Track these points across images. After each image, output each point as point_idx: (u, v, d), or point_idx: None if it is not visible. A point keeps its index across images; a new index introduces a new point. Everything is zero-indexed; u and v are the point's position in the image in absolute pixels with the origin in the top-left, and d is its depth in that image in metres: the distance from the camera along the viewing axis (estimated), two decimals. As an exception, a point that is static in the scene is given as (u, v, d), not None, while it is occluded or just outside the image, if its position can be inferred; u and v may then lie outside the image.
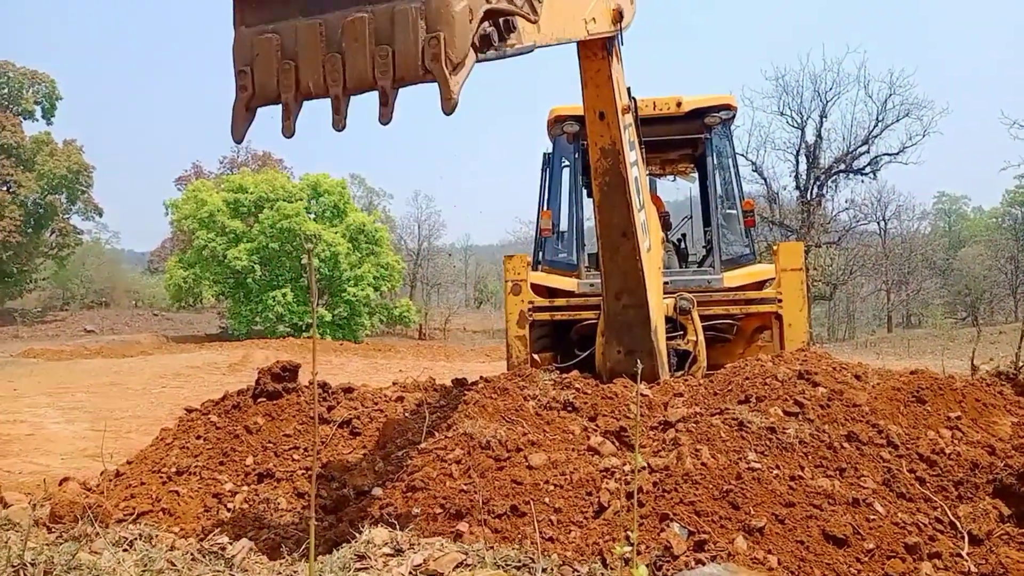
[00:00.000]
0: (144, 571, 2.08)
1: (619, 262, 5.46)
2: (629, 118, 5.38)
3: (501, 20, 3.14)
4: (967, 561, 3.06)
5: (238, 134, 3.13)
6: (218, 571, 2.15)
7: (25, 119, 49.31)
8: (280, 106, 2.99)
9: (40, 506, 2.92)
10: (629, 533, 3.13)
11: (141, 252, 78.41)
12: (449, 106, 2.71)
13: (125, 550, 2.29)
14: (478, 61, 2.97)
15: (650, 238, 5.79)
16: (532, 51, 3.48)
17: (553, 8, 3.78)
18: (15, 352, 26.45)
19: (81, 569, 2.03)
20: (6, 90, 48.57)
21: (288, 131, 3.06)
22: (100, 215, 53.24)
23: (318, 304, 37.68)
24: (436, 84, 2.71)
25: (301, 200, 38.21)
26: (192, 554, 2.34)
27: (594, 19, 4.42)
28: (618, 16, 4.74)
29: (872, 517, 3.20)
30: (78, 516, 2.68)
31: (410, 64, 2.70)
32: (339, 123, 2.91)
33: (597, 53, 4.82)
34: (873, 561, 3.01)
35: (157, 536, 2.57)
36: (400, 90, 2.85)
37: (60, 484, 3.47)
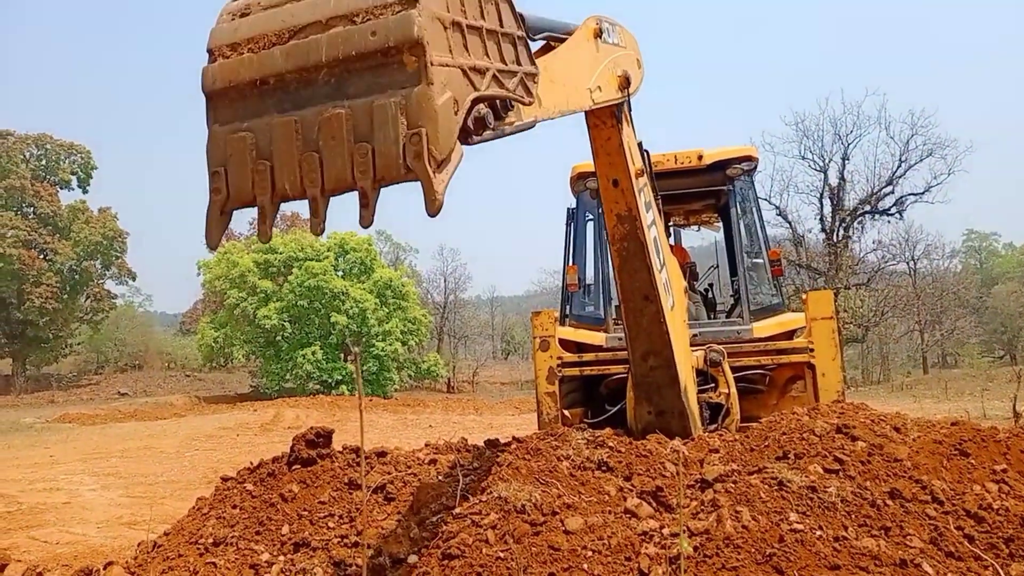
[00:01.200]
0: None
1: (644, 325, 5.42)
2: (643, 180, 5.29)
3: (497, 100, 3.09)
4: (1024, 624, 2.97)
5: (213, 240, 2.93)
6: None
7: (61, 188, 50.85)
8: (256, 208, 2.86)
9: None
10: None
11: (174, 314, 79.73)
12: (433, 208, 2.56)
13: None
14: (476, 142, 2.91)
15: (673, 295, 5.71)
16: (534, 126, 3.42)
17: (554, 81, 3.72)
18: (51, 417, 26.82)
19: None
20: (44, 161, 50.26)
21: (265, 236, 2.93)
22: (133, 279, 54.42)
23: (346, 359, 37.88)
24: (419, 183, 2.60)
25: (328, 258, 38.72)
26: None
27: (599, 87, 4.34)
28: (625, 82, 4.66)
29: (922, 579, 3.12)
30: (123, 601, 2.70)
31: (391, 163, 2.57)
32: (318, 227, 2.76)
33: (606, 122, 4.76)
34: (925, 626, 2.92)
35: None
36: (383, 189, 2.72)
37: (104, 568, 3.50)
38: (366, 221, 2.67)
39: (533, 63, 3.41)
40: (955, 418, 4.81)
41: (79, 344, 53.46)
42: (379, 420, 22.18)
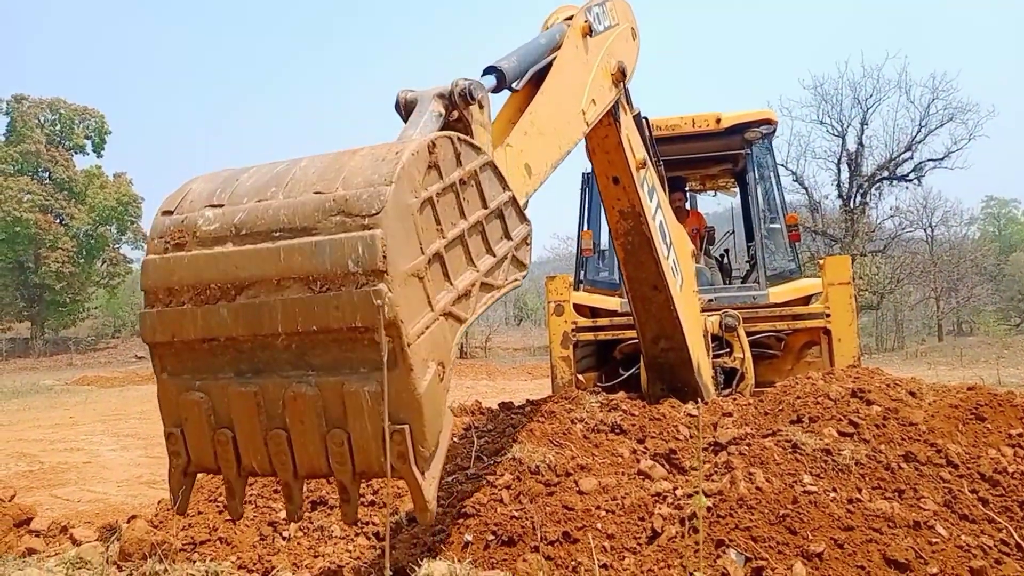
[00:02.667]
0: (213, 607, 2.13)
1: (653, 311, 5.30)
2: (644, 172, 4.93)
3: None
4: (1036, 585, 2.98)
5: (181, 508, 2.56)
6: (283, 607, 2.19)
7: (76, 153, 51.00)
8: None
9: (110, 544, 3.01)
10: (684, 562, 3.11)
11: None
12: (424, 518, 2.23)
13: (193, 587, 2.35)
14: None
15: (681, 272, 5.53)
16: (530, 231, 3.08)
17: (542, 133, 3.37)
18: (70, 380, 27.21)
19: (153, 606, 2.08)
20: (58, 126, 50.34)
21: (235, 513, 2.49)
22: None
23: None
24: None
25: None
26: (257, 590, 2.39)
27: (593, 101, 3.97)
28: (620, 75, 4.30)
29: (934, 540, 3.13)
30: (146, 554, 2.75)
31: (371, 460, 2.22)
32: (294, 514, 2.38)
33: (603, 122, 4.34)
34: (938, 586, 2.94)
35: (222, 571, 2.62)
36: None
37: (128, 522, 3.56)
38: (349, 518, 2.32)
39: (523, 220, 3.06)
40: (971, 383, 4.79)
41: (96, 308, 54.03)
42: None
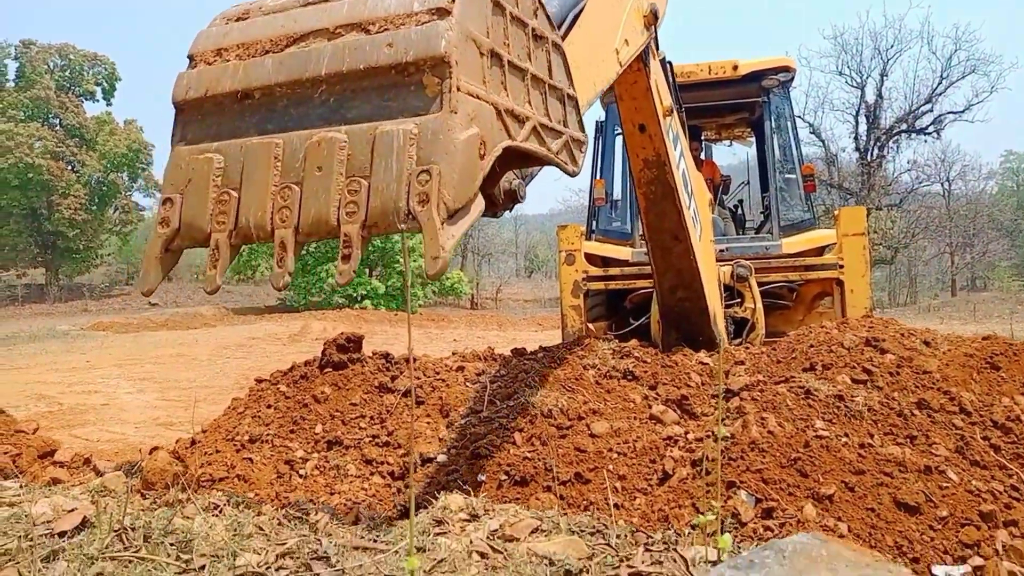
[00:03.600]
0: (235, 535, 2.18)
1: (672, 261, 5.24)
2: (671, 119, 4.86)
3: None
4: (1045, 530, 3.00)
5: (148, 284, 2.46)
6: (304, 535, 2.24)
7: (86, 100, 50.74)
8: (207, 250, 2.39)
9: (133, 474, 3.08)
10: (695, 502, 3.15)
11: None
12: (434, 268, 2.06)
13: (215, 515, 2.40)
14: (500, 215, 2.47)
15: (700, 223, 5.48)
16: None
17: (577, 67, 3.22)
18: (85, 325, 27.54)
19: (177, 532, 2.14)
20: (68, 72, 49.97)
21: (212, 284, 2.39)
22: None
23: (371, 274, 38.18)
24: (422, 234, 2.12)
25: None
26: (278, 519, 2.45)
27: (626, 41, 3.88)
28: (652, 17, 4.20)
29: (945, 485, 3.15)
30: (168, 483, 2.81)
31: (387, 205, 2.10)
32: (279, 279, 2.29)
33: (632, 67, 4.24)
34: (947, 529, 2.97)
35: (243, 501, 2.69)
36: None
37: (150, 453, 3.63)
38: (344, 277, 2.21)
39: (582, 129, 3.01)
40: (986, 334, 4.77)
41: (109, 255, 54.38)
42: (404, 333, 22.52)
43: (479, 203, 2.25)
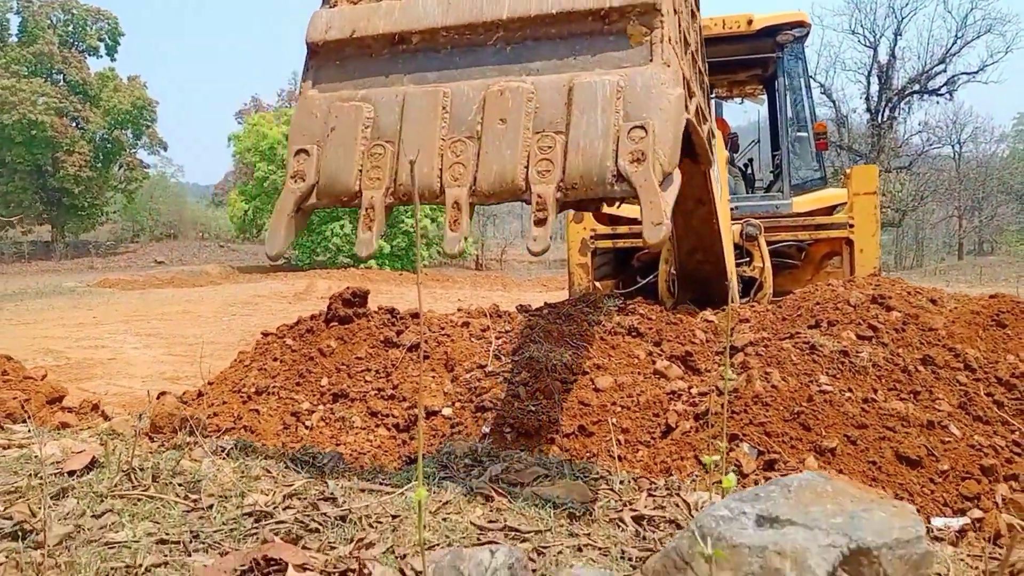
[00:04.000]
0: (243, 477, 2.21)
1: (694, 225, 5.09)
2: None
3: None
4: (1045, 484, 3.02)
5: (276, 246, 2.25)
6: (311, 479, 2.27)
7: (89, 55, 50.28)
8: (354, 209, 2.15)
9: (141, 418, 3.11)
10: (698, 454, 3.17)
11: (206, 185, 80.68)
12: (657, 235, 1.82)
13: (223, 458, 2.43)
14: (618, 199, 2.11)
15: (720, 183, 5.32)
16: None
17: None
18: (91, 282, 27.64)
19: (185, 474, 2.17)
20: (71, 27, 49.43)
21: (368, 247, 2.16)
22: (165, 149, 54.58)
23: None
24: (622, 202, 1.93)
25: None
26: (286, 462, 2.47)
27: None
28: None
29: (947, 439, 3.17)
30: (176, 427, 2.84)
31: (591, 166, 1.87)
32: (455, 242, 2.06)
33: None
34: (947, 482, 2.99)
35: (251, 446, 2.72)
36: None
37: (158, 397, 3.66)
38: (539, 244, 1.95)
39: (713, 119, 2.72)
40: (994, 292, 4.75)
41: (114, 213, 54.38)
42: (408, 293, 22.56)
43: (677, 173, 1.99)
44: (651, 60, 1.92)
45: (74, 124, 47.65)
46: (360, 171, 2.10)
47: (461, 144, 2.00)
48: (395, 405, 4.36)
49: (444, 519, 1.91)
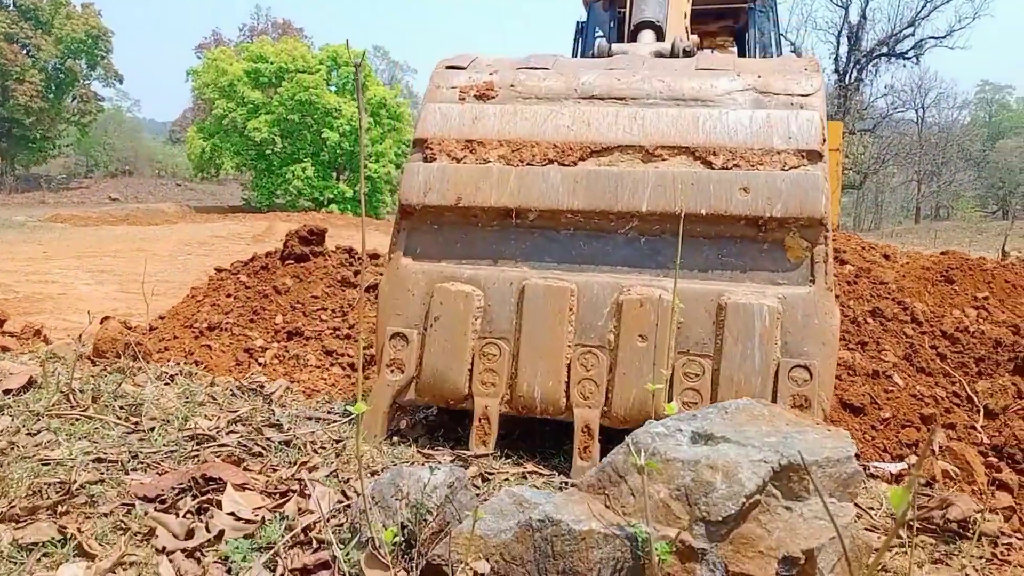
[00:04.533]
0: (187, 402, 2.17)
1: None
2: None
3: None
4: (980, 433, 3.12)
5: (370, 441, 1.93)
6: (256, 406, 2.24)
7: (39, -21, 47.97)
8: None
9: (84, 345, 3.04)
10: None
11: (163, 121, 78.28)
12: None
13: (167, 383, 2.39)
14: None
15: None
16: None
17: None
18: (42, 217, 26.81)
19: (126, 397, 2.12)
20: (19, -53, 46.98)
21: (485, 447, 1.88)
22: (120, 82, 52.66)
23: (338, 178, 37.59)
24: None
25: (320, 71, 37.35)
26: (232, 390, 2.44)
27: None
28: None
29: (890, 389, 3.25)
30: (120, 352, 2.78)
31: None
32: (582, 471, 1.71)
33: None
34: (888, 429, 3.07)
35: (196, 373, 2.67)
36: None
37: (101, 322, 3.58)
38: None
39: None
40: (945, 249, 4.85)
41: (67, 147, 52.58)
42: (371, 239, 22.28)
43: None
44: (812, 282, 1.75)
45: (25, 52, 45.65)
46: (470, 371, 1.86)
47: (592, 356, 1.79)
48: (351, 345, 4.33)
49: (392, 445, 1.90)
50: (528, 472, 1.91)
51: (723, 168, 1.81)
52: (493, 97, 2.00)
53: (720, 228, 1.82)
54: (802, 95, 1.89)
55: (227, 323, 4.52)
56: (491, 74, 2.06)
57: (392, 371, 1.94)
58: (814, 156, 1.82)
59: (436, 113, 2.02)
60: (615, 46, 3.12)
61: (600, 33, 8.59)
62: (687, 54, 2.85)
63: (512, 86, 2.02)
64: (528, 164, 1.88)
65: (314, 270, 5.02)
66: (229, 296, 4.83)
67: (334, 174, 37.77)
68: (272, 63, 36.97)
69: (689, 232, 1.80)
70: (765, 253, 1.79)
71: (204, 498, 1.50)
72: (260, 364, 4.15)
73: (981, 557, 1.86)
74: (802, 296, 1.75)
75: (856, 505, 2.13)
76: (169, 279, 11.48)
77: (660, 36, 3.60)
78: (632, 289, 1.79)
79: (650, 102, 1.89)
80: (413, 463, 1.84)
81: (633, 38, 3.64)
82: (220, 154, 38.89)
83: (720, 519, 1.18)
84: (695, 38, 4.74)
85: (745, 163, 1.82)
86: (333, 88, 38.65)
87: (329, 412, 2.20)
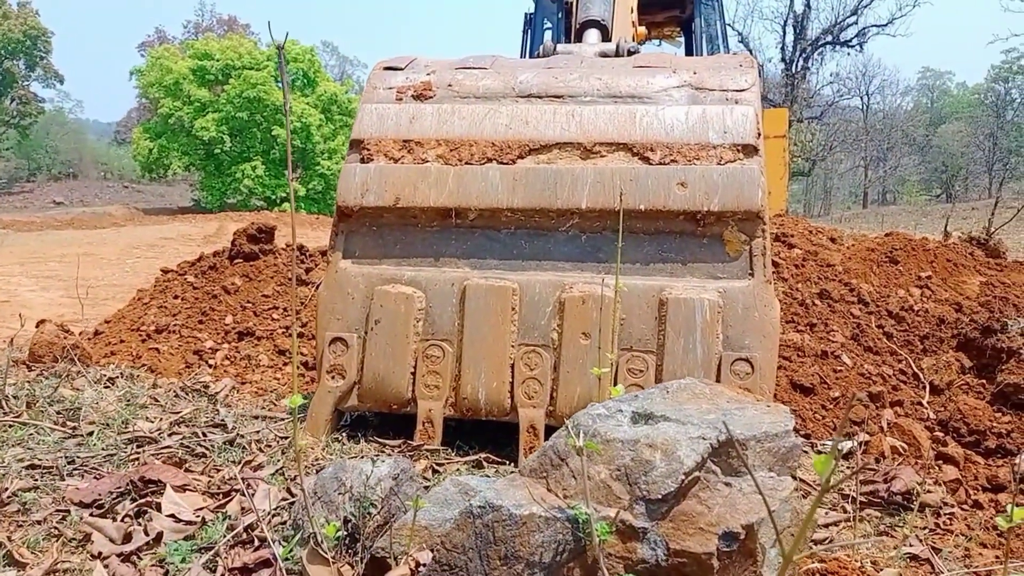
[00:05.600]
0: (127, 405, 2.11)
1: None
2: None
3: None
4: (927, 408, 3.20)
5: (310, 443, 1.85)
6: (200, 407, 2.18)
7: (-29, -22, 46.35)
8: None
9: (20, 350, 2.93)
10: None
11: (107, 122, 76.35)
12: None
13: (107, 387, 2.31)
14: None
15: None
16: None
17: None
18: (-17, 223, 25.93)
19: (64, 402, 2.05)
20: (-52, -56, 45.32)
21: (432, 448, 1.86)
22: (61, 82, 51.22)
23: (293, 178, 37.04)
24: None
25: (268, 68, 36.74)
26: (175, 391, 2.37)
27: None
28: None
29: (839, 368, 3.31)
30: (58, 356, 2.69)
31: None
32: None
33: None
34: (837, 408, 3.13)
35: (138, 375, 2.60)
36: None
37: (37, 325, 3.47)
38: None
39: None
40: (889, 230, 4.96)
41: (8, 150, 50.94)
42: (324, 237, 22.06)
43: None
44: (751, 275, 1.76)
45: (-43, 52, 44.11)
46: (413, 374, 1.84)
47: (536, 355, 1.78)
48: (303, 343, 4.26)
49: (339, 442, 1.87)
50: (482, 460, 1.89)
51: (660, 164, 1.83)
52: (431, 97, 2.00)
53: (659, 223, 1.84)
54: (737, 90, 1.91)
55: (175, 325, 4.42)
56: (428, 74, 2.05)
57: (332, 377, 1.91)
58: (750, 150, 1.84)
59: (372, 114, 2.01)
60: (560, 46, 3.12)
61: (548, 25, 8.59)
62: (631, 55, 2.89)
63: (450, 86, 2.01)
64: (467, 163, 1.87)
65: (264, 269, 4.94)
66: (177, 298, 4.72)
67: (286, 172, 37.21)
68: (218, 60, 36.24)
69: (629, 228, 1.82)
70: (704, 247, 1.81)
71: (143, 501, 1.45)
72: (210, 366, 4.07)
73: (924, 527, 1.91)
74: (742, 289, 1.77)
75: (802, 480, 2.16)
76: (117, 283, 11.20)
77: (606, 35, 3.62)
78: (574, 287, 1.79)
79: (587, 99, 1.89)
80: (363, 457, 1.82)
81: (579, 37, 3.65)
82: (167, 154, 38.02)
83: (660, 497, 1.18)
84: (643, 30, 4.79)
85: (682, 158, 1.84)
86: (281, 85, 38.01)
87: (277, 411, 2.16)
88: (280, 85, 37.54)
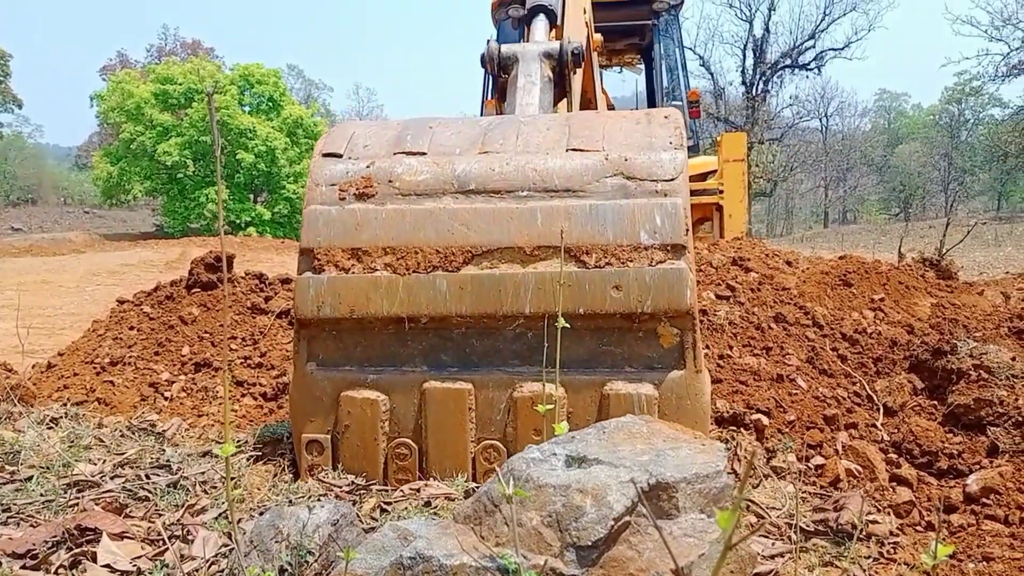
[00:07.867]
0: (70, 447, 2.06)
1: None
2: (595, 53, 4.80)
3: None
4: (881, 430, 3.24)
5: None
6: (145, 447, 2.14)
7: (-74, 0, 45.59)
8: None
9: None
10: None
11: (67, 147, 75.25)
12: None
13: (50, 427, 2.26)
14: None
15: None
16: None
17: None
18: (-64, 251, 25.30)
19: (4, 445, 2.00)
20: (-98, -33, 44.55)
21: None
22: (20, 107, 50.49)
23: (255, 201, 36.79)
24: None
25: (231, 91, 36.52)
26: (121, 431, 2.33)
27: None
28: None
29: (795, 392, 3.35)
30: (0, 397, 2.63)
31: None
32: None
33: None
34: (793, 431, 3.16)
35: (84, 415, 2.54)
36: None
37: (-24, 365, 3.38)
38: None
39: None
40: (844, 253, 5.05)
41: (-36, 176, 49.95)
42: (291, 261, 21.88)
43: None
44: (684, 366, 1.88)
45: (-88, 77, 43.24)
46: (384, 470, 1.95)
47: (494, 451, 1.91)
48: (263, 373, 4.21)
49: (285, 482, 1.85)
50: (432, 496, 1.88)
51: (596, 267, 1.92)
52: (373, 195, 2.05)
53: (599, 321, 1.95)
54: (665, 180, 1.96)
55: (130, 357, 4.34)
56: (368, 165, 2.09)
57: (312, 469, 2.01)
58: (679, 249, 1.92)
59: (319, 220, 2.06)
60: (504, 47, 3.21)
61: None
62: (575, 56, 2.98)
63: (390, 182, 2.05)
64: (415, 271, 1.96)
65: (222, 298, 4.88)
66: (132, 328, 4.64)
67: (251, 196, 36.91)
68: (181, 84, 35.96)
69: (577, 328, 1.92)
70: (641, 341, 1.93)
71: (78, 551, 1.42)
72: (167, 399, 4.00)
73: (869, 556, 1.93)
74: (675, 380, 1.90)
75: (757, 505, 2.18)
76: (76, 312, 10.98)
77: (554, 21, 3.68)
78: (524, 386, 1.91)
79: (524, 194, 1.96)
80: (311, 496, 1.80)
81: (528, 22, 3.75)
82: (129, 179, 37.51)
83: (590, 543, 1.19)
84: (598, 37, 4.81)
85: (616, 260, 1.92)
86: (247, 108, 37.86)
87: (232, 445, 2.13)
88: (246, 109, 37.38)
